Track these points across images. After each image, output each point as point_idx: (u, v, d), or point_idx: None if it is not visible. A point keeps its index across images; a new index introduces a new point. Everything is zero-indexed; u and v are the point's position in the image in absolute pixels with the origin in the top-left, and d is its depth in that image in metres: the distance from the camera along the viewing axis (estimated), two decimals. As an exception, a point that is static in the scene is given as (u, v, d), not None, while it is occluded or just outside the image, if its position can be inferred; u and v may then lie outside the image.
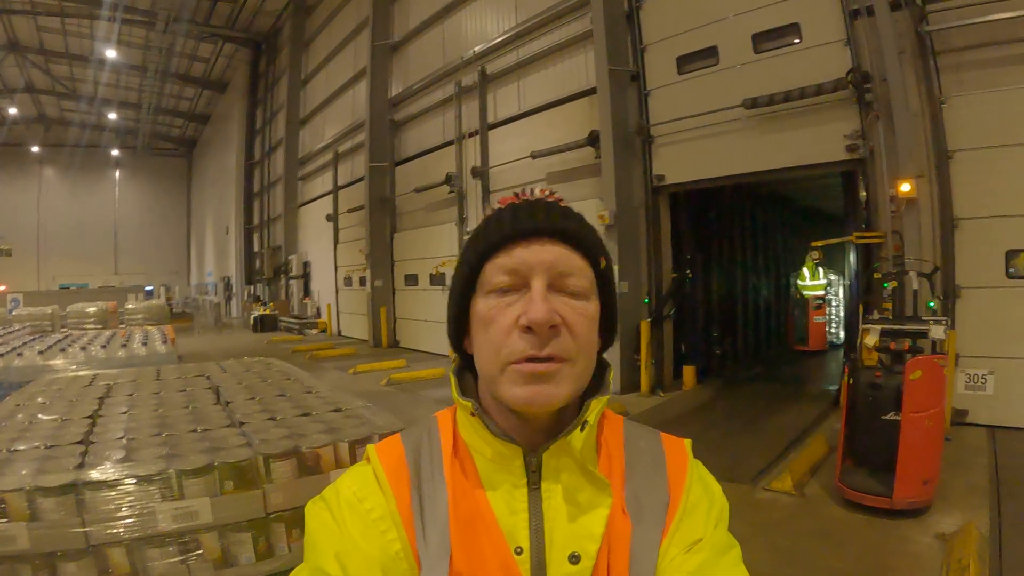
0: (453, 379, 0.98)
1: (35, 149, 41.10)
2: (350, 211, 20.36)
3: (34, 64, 30.86)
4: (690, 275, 11.49)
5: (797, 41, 8.98)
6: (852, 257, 10.24)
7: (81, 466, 2.59)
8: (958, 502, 5.21)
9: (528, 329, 0.83)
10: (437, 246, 15.92)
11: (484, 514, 0.87)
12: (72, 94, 34.88)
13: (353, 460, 2.91)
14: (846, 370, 5.63)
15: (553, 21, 12.50)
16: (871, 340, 5.51)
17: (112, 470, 2.54)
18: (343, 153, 21.47)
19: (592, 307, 0.90)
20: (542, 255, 0.87)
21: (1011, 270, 7.37)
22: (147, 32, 27.61)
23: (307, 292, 25.38)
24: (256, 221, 31.40)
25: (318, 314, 23.98)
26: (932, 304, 6.46)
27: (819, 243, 9.03)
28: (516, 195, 0.95)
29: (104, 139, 41.80)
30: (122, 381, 5.01)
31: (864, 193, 8.38)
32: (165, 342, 9.18)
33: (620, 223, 10.34)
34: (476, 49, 14.48)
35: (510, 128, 13.78)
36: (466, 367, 0.99)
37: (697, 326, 12.07)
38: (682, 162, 10.35)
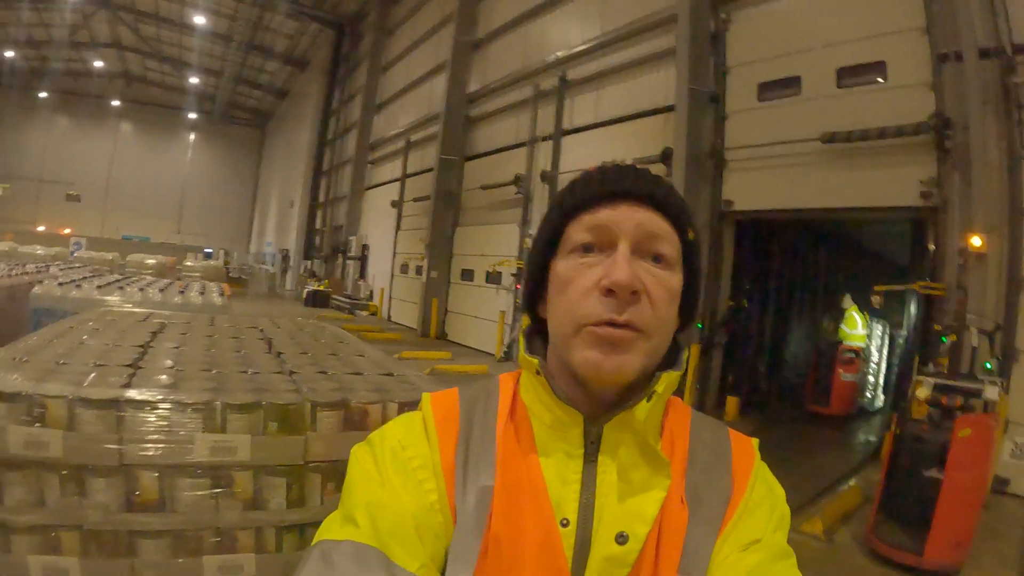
0: (522, 339, 0.96)
1: (115, 103, 42.71)
2: (415, 200, 20.64)
3: (123, 22, 31.92)
4: (746, 305, 11.38)
5: (881, 80, 8.83)
6: (912, 308, 10.08)
7: (127, 386, 2.58)
8: (988, 570, 5.10)
9: (609, 292, 0.81)
10: (497, 245, 16.05)
11: (534, 480, 0.84)
12: (157, 54, 36.05)
13: None
14: (893, 420, 5.56)
15: (637, 35, 12.51)
16: (923, 393, 5.38)
17: (157, 393, 2.52)
18: (414, 142, 21.77)
19: (675, 280, 0.87)
20: (630, 216, 0.85)
21: None
22: (237, 3, 28.37)
23: (362, 274, 25.73)
24: (321, 199, 31.97)
25: (370, 297, 24.27)
26: (989, 365, 6.30)
27: (882, 287, 8.81)
28: (603, 163, 0.93)
29: (182, 102, 43.12)
30: (176, 322, 4.95)
31: (932, 243, 8.17)
32: (221, 295, 9.27)
33: None
34: (558, 54, 14.57)
35: (583, 136, 13.85)
36: (536, 331, 0.97)
37: (747, 358, 11.87)
38: (752, 189, 10.27)
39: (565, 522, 0.82)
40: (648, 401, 0.85)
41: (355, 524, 0.81)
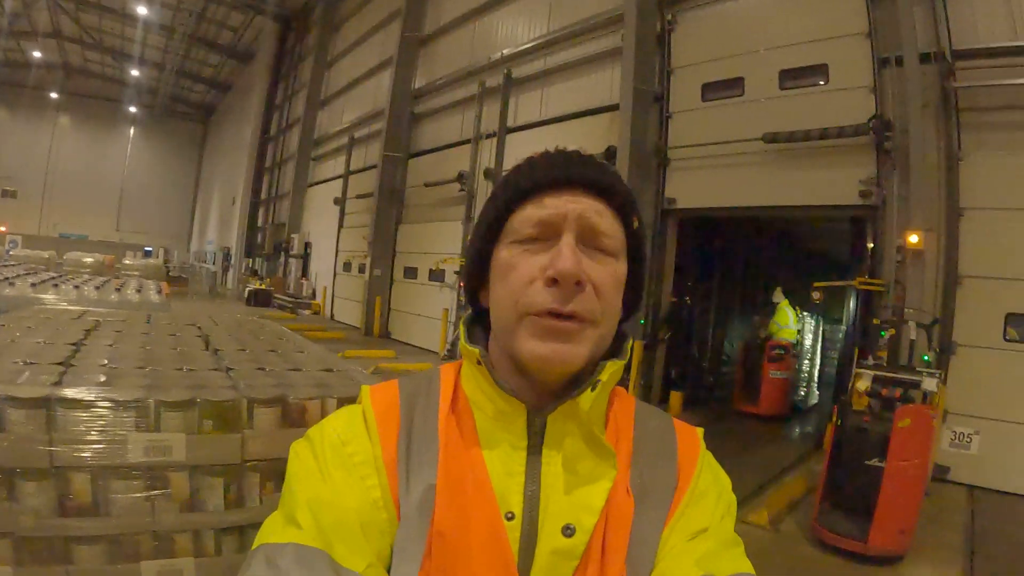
0: (463, 329, 0.93)
1: (53, 95, 41.07)
2: (358, 197, 20.30)
3: (64, 10, 30.83)
4: (689, 302, 11.46)
5: (823, 82, 8.99)
6: (852, 303, 10.21)
7: (58, 384, 2.48)
8: (931, 556, 5.20)
9: (553, 281, 0.79)
10: (440, 242, 15.87)
11: (477, 473, 0.82)
12: (98, 45, 34.95)
13: None
14: (835, 411, 5.62)
15: (584, 34, 12.50)
16: (863, 384, 5.51)
17: (89, 391, 2.42)
18: (358, 139, 21.45)
19: (620, 268, 0.85)
20: (574, 205, 0.82)
21: (1008, 334, 7.34)
22: (180, -7, 27.69)
23: (305, 272, 25.33)
24: (263, 196, 31.36)
25: (313, 295, 23.93)
26: (927, 357, 6.47)
27: (822, 283, 8.97)
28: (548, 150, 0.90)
29: (124, 95, 41.73)
30: (111, 320, 4.88)
31: (871, 241, 8.38)
32: (159, 293, 9.09)
33: None
34: (504, 52, 14.49)
35: (528, 134, 13.76)
36: (477, 321, 0.96)
37: (690, 354, 12.02)
38: (695, 188, 10.35)
39: (510, 515, 0.80)
40: (593, 391, 0.83)
41: (298, 525, 0.77)
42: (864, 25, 8.51)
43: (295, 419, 2.73)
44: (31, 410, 2.30)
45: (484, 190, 14.52)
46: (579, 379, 0.84)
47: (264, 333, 4.93)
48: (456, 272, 14.96)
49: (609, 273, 0.83)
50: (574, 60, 12.70)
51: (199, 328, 4.82)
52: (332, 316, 22.00)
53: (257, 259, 30.08)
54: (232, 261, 33.69)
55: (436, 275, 15.92)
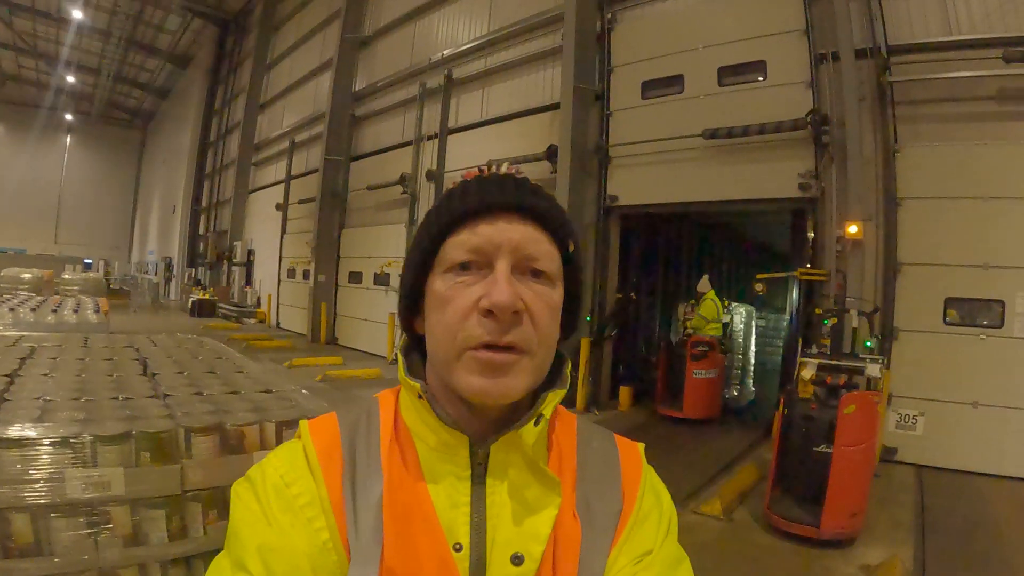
0: (400, 359, 0.91)
1: (-15, 104, 39.63)
2: (300, 202, 19.90)
3: (-5, 15, 29.76)
4: (634, 297, 11.50)
5: (762, 79, 9.12)
6: (794, 293, 10.30)
7: None
8: (883, 536, 5.30)
9: (489, 313, 0.77)
10: (384, 246, 15.65)
11: (423, 506, 0.81)
12: (31, 51, 33.65)
13: (279, 442, 2.72)
14: (780, 401, 5.70)
15: (524, 34, 12.48)
16: (807, 373, 5.59)
17: (25, 429, 2.36)
18: (299, 143, 21.07)
19: (557, 295, 0.84)
20: (508, 233, 0.80)
21: (948, 317, 7.57)
22: (116, -4, 26.90)
23: (249, 280, 24.78)
24: (204, 203, 30.68)
25: (258, 304, 23.46)
26: (869, 343, 6.61)
27: (764, 275, 9.10)
28: (481, 169, 0.88)
29: (59, 102, 40.42)
30: (48, 345, 4.77)
31: (812, 232, 8.52)
32: (97, 312, 8.80)
33: None
34: (445, 52, 14.38)
35: (470, 135, 13.67)
36: (414, 347, 0.93)
37: (637, 349, 12.11)
38: (637, 185, 10.39)
39: (458, 547, 0.80)
40: (536, 425, 0.83)
41: (248, 572, 0.77)
42: (801, 22, 8.67)
43: (233, 446, 2.69)
44: (-37, 453, 2.25)
45: (426, 192, 14.37)
46: (518, 406, 0.84)
47: (202, 352, 4.88)
48: (400, 276, 14.66)
49: (545, 300, 0.81)
50: (515, 60, 12.65)
51: (137, 350, 4.76)
52: (278, 324, 21.58)
53: (200, 268, 29.35)
54: (174, 271, 32.90)
55: (381, 279, 15.70)
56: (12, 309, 8.13)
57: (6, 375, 3.37)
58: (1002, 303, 7.34)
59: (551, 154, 10.87)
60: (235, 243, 25.44)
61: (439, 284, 0.82)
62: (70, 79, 36.49)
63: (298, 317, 19.72)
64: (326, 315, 17.71)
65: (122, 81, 38.56)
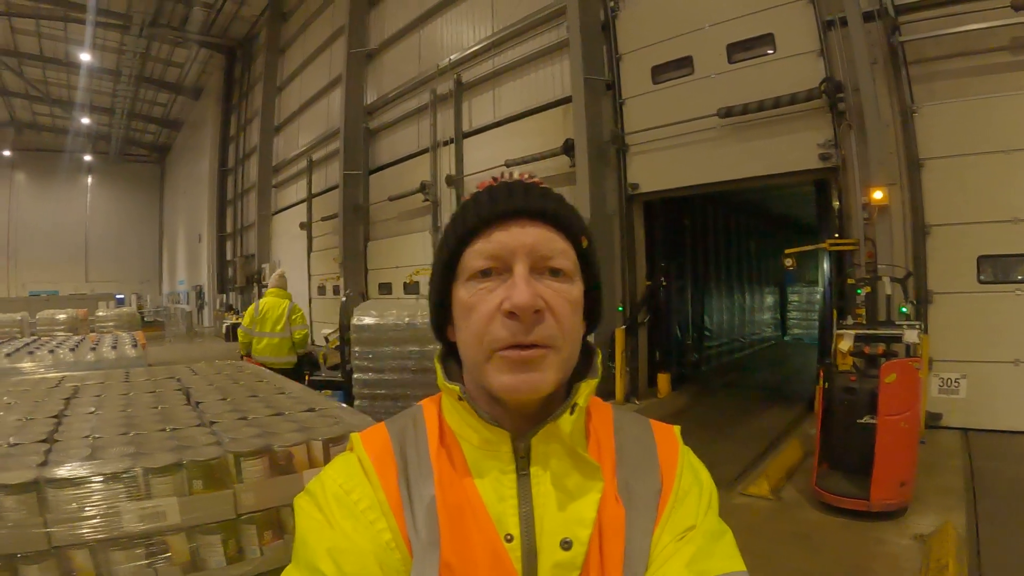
0: (438, 365, 0.96)
1: (6, 153, 40.28)
2: (324, 219, 20.09)
3: (7, 66, 30.25)
4: (664, 283, 11.52)
5: (771, 51, 9.05)
6: (825, 265, 10.26)
7: (44, 464, 2.47)
8: (934, 503, 5.23)
9: (511, 315, 0.82)
10: (411, 254, 15.77)
11: (472, 502, 0.86)
12: (45, 98, 34.22)
13: (327, 459, 2.77)
14: (820, 375, 5.65)
15: (529, 30, 12.49)
16: (845, 345, 5.55)
17: (76, 468, 2.42)
18: (317, 161, 21.25)
19: (576, 290, 0.89)
20: (522, 237, 0.86)
21: (982, 276, 7.48)
22: (122, 36, 27.21)
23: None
24: (229, 229, 30.93)
25: (291, 323, 23.51)
26: (904, 309, 6.52)
27: (792, 250, 8.97)
28: (494, 179, 0.94)
29: (76, 144, 41.02)
30: (90, 383, 4.78)
31: (837, 201, 8.45)
32: (136, 346, 8.81)
33: (594, 231, 10.12)
34: (452, 57, 14.43)
35: (485, 137, 13.72)
36: (450, 354, 0.98)
37: (671, 333, 12.09)
38: (656, 171, 10.36)
39: (509, 537, 0.84)
40: (571, 414, 0.87)
41: (321, 574, 0.82)
42: None
43: (283, 467, 2.71)
44: (21, 495, 2.27)
45: (448, 197, 14.47)
46: (553, 399, 0.89)
47: (243, 377, 4.87)
48: (428, 288, 14.77)
49: (565, 296, 0.86)
50: (522, 58, 12.68)
51: (178, 380, 4.74)
52: (313, 341, 21.71)
53: (231, 293, 29.63)
54: (206, 299, 33.25)
55: (411, 288, 15.72)
56: (52, 351, 8.15)
57: (53, 416, 3.42)
58: (1035, 257, 7.25)
59: (568, 148, 10.89)
60: (263, 265, 25.62)
61: (463, 292, 0.88)
62: (85, 121, 36.99)
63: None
64: (360, 328, 17.79)
65: (136, 118, 38.99)
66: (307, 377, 8.13)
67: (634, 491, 0.89)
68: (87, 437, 2.90)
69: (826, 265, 9.83)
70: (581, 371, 0.92)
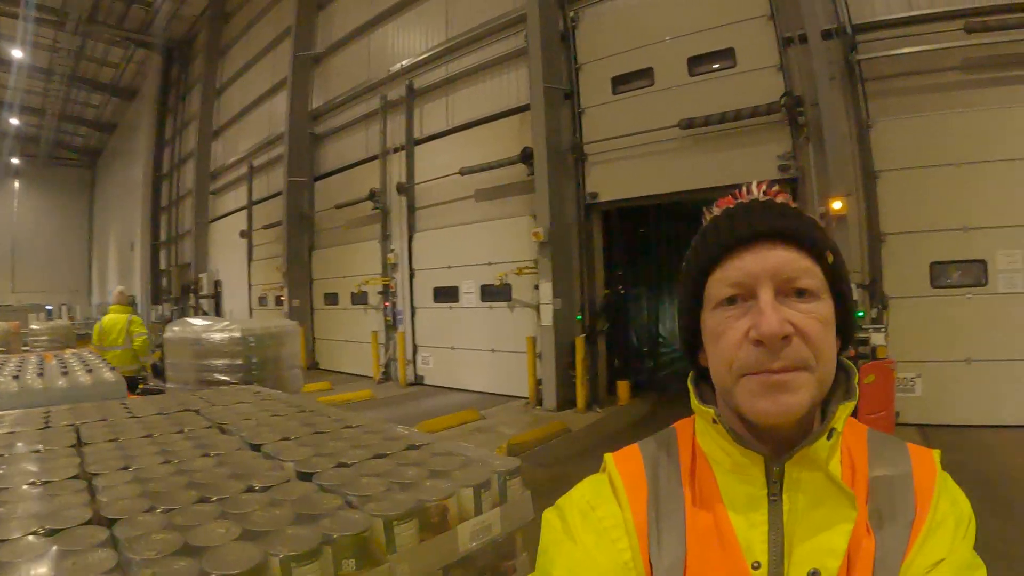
0: (692, 388, 0.94)
1: (-75, 155, 38.36)
2: (265, 227, 19.60)
3: (-65, 62, 28.80)
4: (622, 291, 11.59)
5: (732, 65, 9.25)
6: None
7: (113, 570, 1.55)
8: None
9: (759, 343, 0.80)
10: (359, 264, 15.46)
11: (721, 527, 0.85)
12: (-29, 97, 32.74)
13: (479, 510, 2.14)
14: None
15: (485, 37, 12.42)
16: None
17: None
18: (258, 167, 20.74)
19: (825, 308, 0.84)
20: (764, 261, 0.83)
21: (934, 281, 7.91)
22: (56, 32, 26.15)
23: (218, 312, 24.09)
24: (163, 237, 29.94)
25: (230, 335, 22.84)
26: (862, 313, 6.65)
27: None
28: (733, 195, 0.93)
29: (3, 146, 39.26)
30: (89, 420, 3.33)
31: None
32: (112, 370, 7.29)
33: (553, 240, 10.26)
34: (403, 63, 14.24)
35: (438, 144, 13.54)
36: (702, 377, 0.95)
37: (630, 341, 12.24)
38: (616, 180, 10.43)
39: (756, 565, 0.82)
40: (828, 439, 0.84)
41: None
42: (766, 7, 8.88)
43: (436, 525, 2.05)
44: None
45: (399, 205, 14.24)
46: (808, 421, 0.85)
47: (275, 406, 3.72)
48: (379, 293, 14.62)
49: (814, 316, 0.82)
50: (477, 65, 12.59)
51: (204, 417, 3.43)
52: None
53: (165, 304, 28.63)
54: (139, 309, 32.15)
55: (359, 298, 15.49)
56: (16, 377, 6.35)
57: (75, 477, 2.26)
58: (983, 262, 7.69)
59: (526, 156, 10.84)
60: (200, 275, 24.89)
61: (710, 321, 0.87)
62: (14, 122, 35.47)
63: (274, 344, 19.29)
64: (304, 340, 17.31)
65: (68, 119, 37.53)
66: (140, 386, 8.21)
67: (886, 520, 0.83)
68: (160, 521, 1.82)
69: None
70: (837, 392, 0.88)
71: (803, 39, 8.34)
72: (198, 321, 7.08)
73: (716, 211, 0.92)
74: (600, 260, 11.01)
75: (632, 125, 10.05)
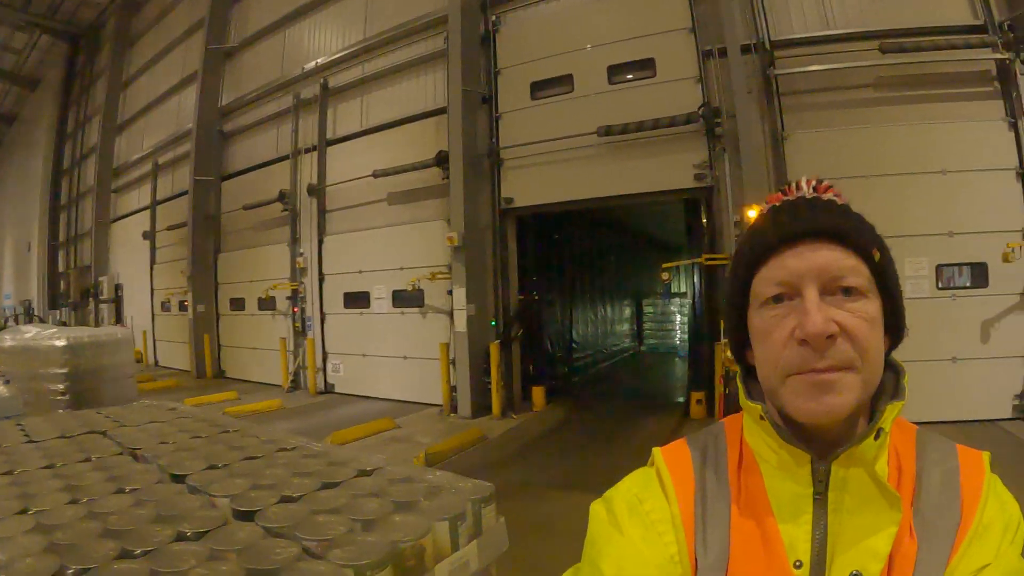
0: (740, 385, 0.93)
1: None
2: (170, 228, 18.61)
3: None
4: (536, 297, 11.60)
5: (652, 75, 9.33)
6: (695, 278, 10.56)
7: None
8: None
9: (804, 342, 0.79)
10: (267, 268, 14.79)
11: (766, 524, 0.84)
12: None
13: (456, 546, 1.74)
14: (721, 381, 6.13)
15: (403, 39, 12.15)
16: (728, 352, 5.86)
17: None
18: (164, 164, 19.75)
19: (872, 306, 0.83)
20: (809, 260, 0.82)
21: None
22: (-47, 15, 24.56)
23: (119, 318, 22.86)
24: (62, 238, 28.20)
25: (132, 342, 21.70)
26: None
27: (669, 264, 9.44)
28: (782, 191, 0.92)
29: None
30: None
31: (705, 219, 8.92)
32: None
33: (467, 246, 10.05)
34: (319, 61, 13.80)
35: (351, 145, 13.15)
36: (750, 374, 0.94)
37: (544, 347, 12.21)
38: (532, 186, 10.35)
39: (799, 563, 0.82)
40: (876, 439, 0.83)
41: (602, 574, 0.85)
42: (687, 20, 9.03)
43: (413, 569, 1.67)
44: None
45: (309, 207, 13.72)
46: (856, 421, 0.84)
47: (195, 426, 3.21)
48: (288, 298, 14.07)
49: (860, 315, 0.81)
50: (394, 66, 12.31)
51: (112, 440, 2.89)
52: (157, 362, 20.14)
53: (64, 309, 27.03)
54: (35, 314, 30.26)
55: (266, 303, 14.80)
56: None
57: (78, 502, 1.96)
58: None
59: (441, 160, 10.63)
60: (100, 278, 23.50)
61: (757, 320, 0.86)
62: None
63: (179, 352, 18.42)
64: (210, 347, 16.60)
65: (-39, 109, 35.48)
66: None
67: (931, 523, 0.81)
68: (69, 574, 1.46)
69: (696, 279, 10.14)
70: (886, 391, 0.87)
71: (722, 53, 8.56)
72: (31, 328, 6.97)
73: (764, 208, 0.91)
74: (515, 266, 10.90)
75: (550, 131, 10.01)
